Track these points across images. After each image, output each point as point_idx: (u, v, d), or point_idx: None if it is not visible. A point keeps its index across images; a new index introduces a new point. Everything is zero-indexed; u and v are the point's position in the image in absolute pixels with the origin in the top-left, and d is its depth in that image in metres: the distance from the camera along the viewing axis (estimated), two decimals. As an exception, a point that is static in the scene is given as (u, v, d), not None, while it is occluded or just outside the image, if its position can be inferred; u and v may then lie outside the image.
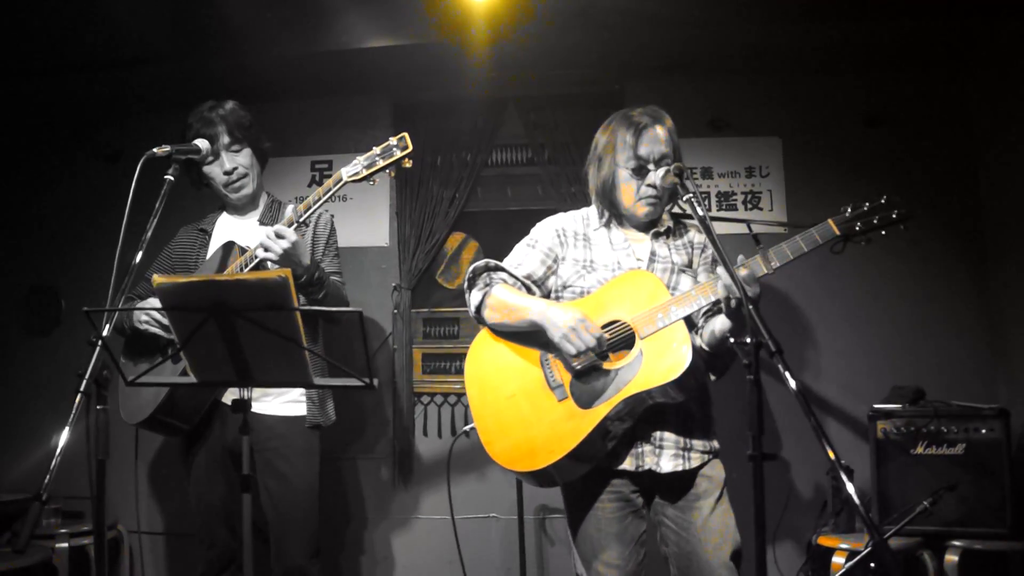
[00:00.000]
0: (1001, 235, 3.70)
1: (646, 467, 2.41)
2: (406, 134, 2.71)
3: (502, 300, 2.52)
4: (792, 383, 1.92)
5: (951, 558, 3.08)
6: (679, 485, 2.45)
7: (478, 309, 2.58)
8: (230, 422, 2.89)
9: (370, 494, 4.03)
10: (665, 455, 2.41)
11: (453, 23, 3.47)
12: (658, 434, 2.42)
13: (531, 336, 2.48)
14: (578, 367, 2.40)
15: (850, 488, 1.85)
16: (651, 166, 2.48)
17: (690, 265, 2.58)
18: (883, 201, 2.35)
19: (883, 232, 2.34)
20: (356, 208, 4.15)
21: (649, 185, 2.49)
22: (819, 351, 3.84)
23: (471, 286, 2.62)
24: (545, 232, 2.66)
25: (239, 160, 3.01)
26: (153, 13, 3.44)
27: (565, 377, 2.43)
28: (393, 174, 2.77)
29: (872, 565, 2.81)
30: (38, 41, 3.63)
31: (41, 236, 4.36)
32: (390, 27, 3.63)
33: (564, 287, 2.58)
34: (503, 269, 2.63)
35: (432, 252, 4.07)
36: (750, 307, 2.02)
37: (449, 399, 4.06)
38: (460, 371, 4.03)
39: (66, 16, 3.41)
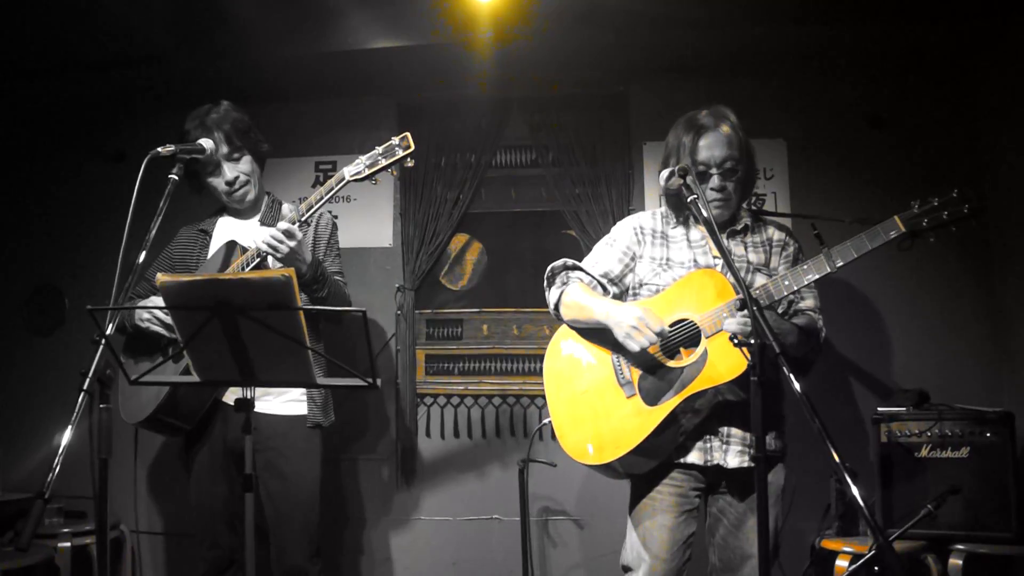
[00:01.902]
0: (1007, 237, 3.68)
1: (714, 462, 2.47)
2: (408, 134, 2.72)
3: (575, 300, 2.62)
4: (796, 385, 1.91)
5: (955, 562, 3.07)
6: (743, 482, 2.51)
7: (556, 307, 2.69)
8: (231, 422, 2.89)
9: (371, 495, 4.03)
10: (732, 451, 2.47)
11: (458, 24, 3.48)
12: (725, 429, 2.48)
13: (604, 333, 2.55)
14: (643, 363, 2.48)
15: (854, 491, 1.84)
16: (713, 170, 2.52)
17: (767, 264, 2.60)
18: (954, 195, 2.30)
19: (953, 228, 2.29)
20: (360, 209, 4.15)
21: (713, 188, 2.52)
22: (823, 353, 3.82)
23: (549, 284, 2.74)
24: (624, 230, 2.73)
25: (240, 168, 3.00)
26: (158, 13, 3.45)
27: (634, 374, 2.51)
28: (396, 173, 2.79)
29: (876, 568, 2.79)
30: (43, 41, 3.64)
31: (45, 236, 4.36)
32: (395, 28, 3.63)
33: (641, 284, 2.64)
34: (580, 268, 2.72)
35: (436, 253, 4.07)
36: (755, 308, 2.02)
37: (452, 400, 4.05)
38: (463, 372, 4.05)
39: (71, 16, 3.42)
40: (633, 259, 2.68)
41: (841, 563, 3.10)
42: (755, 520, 2.45)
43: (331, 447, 3.39)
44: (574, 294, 2.63)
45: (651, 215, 2.74)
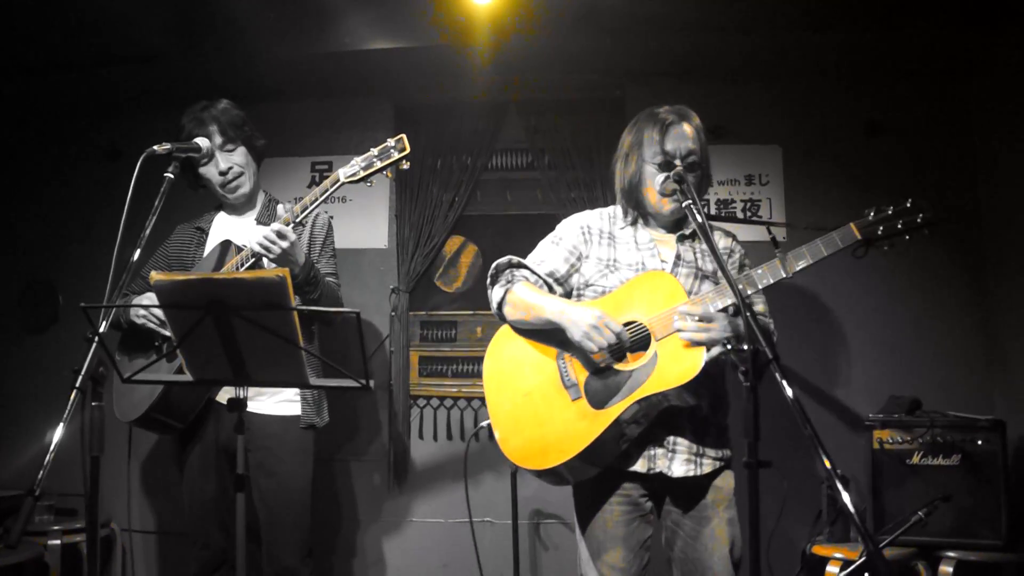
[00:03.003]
0: (1000, 246, 3.70)
1: (657, 470, 2.41)
2: (404, 136, 2.72)
3: (522, 298, 2.53)
4: (788, 391, 1.91)
5: (945, 569, 3.08)
6: (690, 491, 2.46)
7: (499, 305, 2.59)
8: (224, 421, 2.88)
9: (364, 496, 4.02)
10: (677, 459, 2.42)
11: (455, 26, 3.48)
12: (672, 438, 2.42)
13: (549, 334, 2.49)
14: (599, 364, 2.41)
15: (845, 497, 1.84)
16: (677, 162, 2.46)
17: (715, 272, 2.57)
18: (908, 205, 2.32)
19: (907, 237, 2.30)
20: (355, 210, 4.15)
21: None
22: (816, 360, 3.84)
23: (493, 282, 2.63)
24: (570, 229, 2.65)
25: (234, 159, 3.00)
26: (156, 11, 3.45)
27: (580, 376, 2.44)
28: (391, 175, 2.78)
29: (866, 575, 2.80)
30: (40, 38, 3.63)
31: (40, 232, 4.35)
32: (392, 29, 3.63)
33: (586, 285, 2.57)
34: (525, 266, 2.64)
35: (431, 255, 4.07)
36: (747, 313, 2.03)
37: (445, 402, 4.06)
38: (457, 374, 4.05)
39: (68, 13, 3.42)
40: (579, 259, 2.60)
41: (832, 569, 3.11)
42: (710, 529, 2.42)
43: (324, 448, 3.39)
44: (521, 292, 2.54)
45: (598, 215, 2.66)
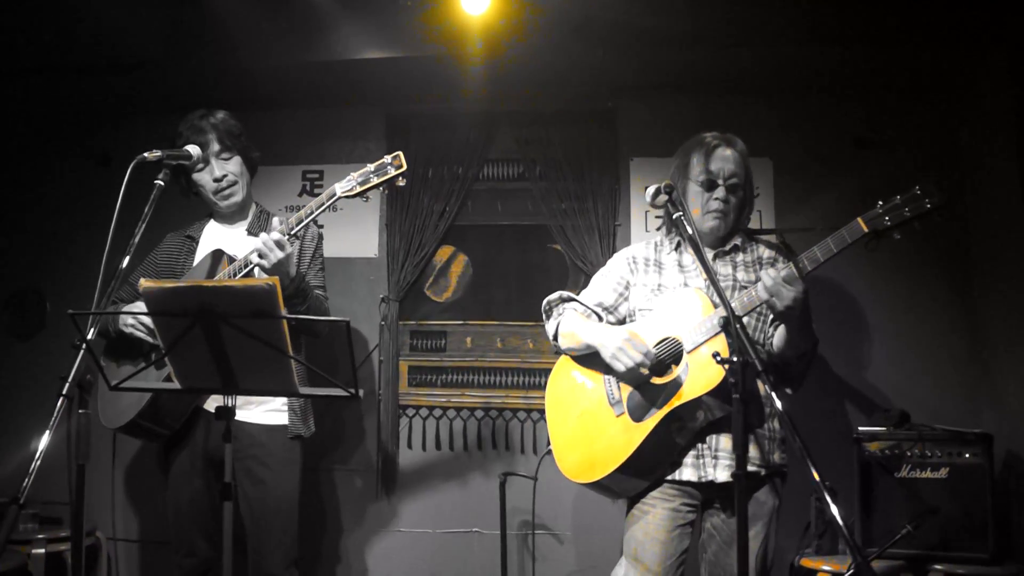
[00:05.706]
0: (987, 259, 3.72)
1: (707, 478, 2.51)
2: (400, 153, 2.74)
3: (569, 327, 2.72)
4: (778, 403, 1.92)
5: (933, 582, 3.08)
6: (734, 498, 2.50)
7: (555, 337, 2.79)
8: (212, 429, 2.87)
9: (351, 505, 4.00)
10: (720, 465, 2.50)
11: (449, 37, 3.49)
12: (713, 442, 2.51)
13: (598, 357, 2.61)
14: (639, 380, 2.53)
15: (834, 510, 1.85)
16: (720, 181, 2.60)
17: (756, 281, 2.61)
18: (917, 191, 2.29)
19: (916, 224, 2.28)
20: (346, 219, 4.14)
21: (717, 198, 2.60)
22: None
23: (547, 317, 2.83)
24: (617, 261, 2.84)
25: (229, 167, 3.01)
26: (148, 18, 3.46)
27: (624, 393, 2.57)
28: (386, 191, 2.81)
29: (854, 588, 2.80)
30: (32, 42, 3.62)
31: (28, 238, 4.33)
32: (386, 39, 3.64)
33: (636, 311, 2.72)
34: (574, 299, 2.82)
35: (421, 264, 4.06)
36: (737, 327, 2.04)
37: (434, 412, 4.04)
38: (446, 384, 4.04)
39: (60, 18, 3.42)
40: (627, 288, 2.76)
41: (820, 582, 3.11)
42: (748, 539, 2.47)
43: (312, 457, 3.37)
44: (568, 322, 2.72)
45: (645, 245, 2.83)
